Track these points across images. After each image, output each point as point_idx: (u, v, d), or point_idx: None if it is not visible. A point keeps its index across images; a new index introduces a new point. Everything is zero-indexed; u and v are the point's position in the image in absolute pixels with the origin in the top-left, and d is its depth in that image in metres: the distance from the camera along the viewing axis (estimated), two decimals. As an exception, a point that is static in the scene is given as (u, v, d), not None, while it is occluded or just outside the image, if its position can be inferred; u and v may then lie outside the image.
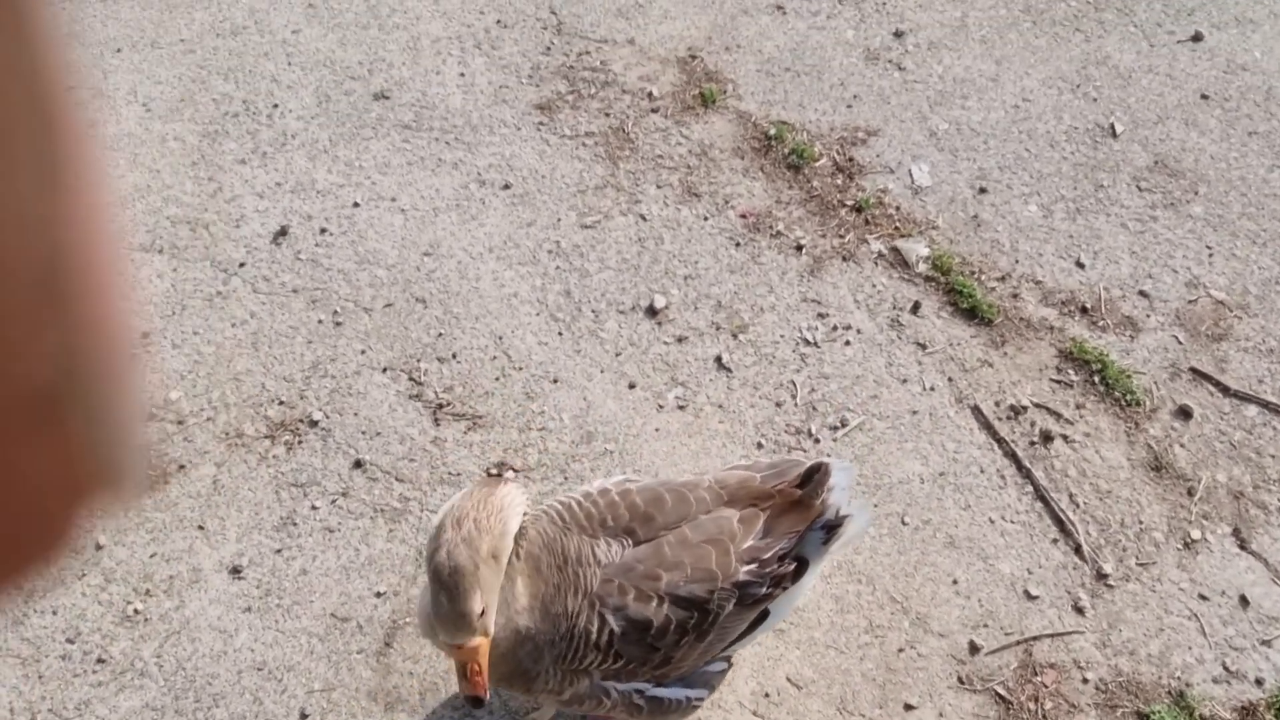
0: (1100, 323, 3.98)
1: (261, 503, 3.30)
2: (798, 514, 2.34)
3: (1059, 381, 3.81)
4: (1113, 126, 4.51)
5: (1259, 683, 3.16)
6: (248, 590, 3.12)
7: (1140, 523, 3.48)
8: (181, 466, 3.37)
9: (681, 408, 3.62)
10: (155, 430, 3.44)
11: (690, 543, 2.24)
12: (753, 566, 2.27)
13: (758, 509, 2.32)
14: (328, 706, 2.92)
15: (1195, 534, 3.46)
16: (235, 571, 3.15)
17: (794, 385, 3.71)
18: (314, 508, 3.30)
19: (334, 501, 3.32)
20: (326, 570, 3.17)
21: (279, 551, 3.20)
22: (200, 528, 3.24)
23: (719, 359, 3.75)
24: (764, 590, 2.29)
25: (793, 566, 2.33)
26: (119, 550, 3.17)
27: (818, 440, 3.57)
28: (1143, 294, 4.09)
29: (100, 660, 2.97)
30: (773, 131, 4.41)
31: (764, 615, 2.39)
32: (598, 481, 2.41)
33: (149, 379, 3.56)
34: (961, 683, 3.11)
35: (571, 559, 2.17)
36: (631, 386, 3.66)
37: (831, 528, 2.39)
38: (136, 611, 3.06)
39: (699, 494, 2.32)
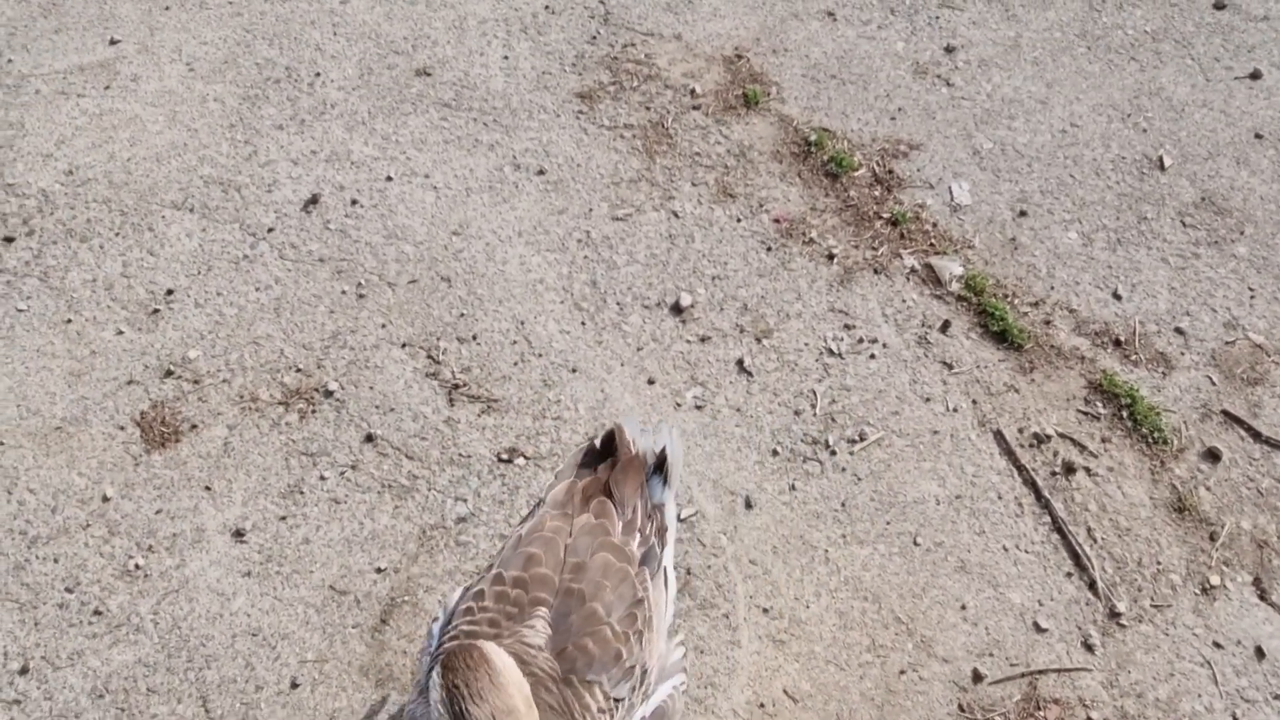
0: (1133, 357, 3.89)
1: (270, 468, 3.29)
2: (628, 475, 2.40)
3: (1086, 413, 3.73)
4: (1161, 159, 4.42)
5: (1269, 738, 3.07)
6: (249, 555, 3.10)
7: (1158, 563, 3.40)
8: (194, 426, 3.36)
9: (699, 408, 3.58)
10: (171, 387, 3.44)
11: (587, 566, 2.25)
12: (639, 538, 2.35)
13: (600, 498, 2.37)
14: (319, 678, 2.90)
15: (1214, 580, 3.37)
16: (238, 535, 3.14)
17: (814, 394, 3.65)
18: (322, 478, 3.28)
19: (343, 473, 3.30)
20: (329, 541, 3.15)
21: (283, 519, 3.19)
22: (207, 488, 3.23)
23: (740, 362, 3.70)
24: (656, 549, 2.37)
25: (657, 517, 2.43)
26: (125, 504, 3.17)
27: (834, 452, 3.51)
28: (1179, 331, 4.00)
29: (97, 612, 2.96)
30: (813, 138, 4.35)
31: (666, 579, 2.45)
32: (454, 595, 2.37)
33: (170, 336, 3.56)
34: (962, 710, 3.04)
35: (532, 669, 2.13)
36: (650, 382, 3.61)
37: (660, 466, 2.48)
38: (137, 567, 3.05)
39: (554, 526, 2.32)
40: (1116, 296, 4.07)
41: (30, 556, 3.04)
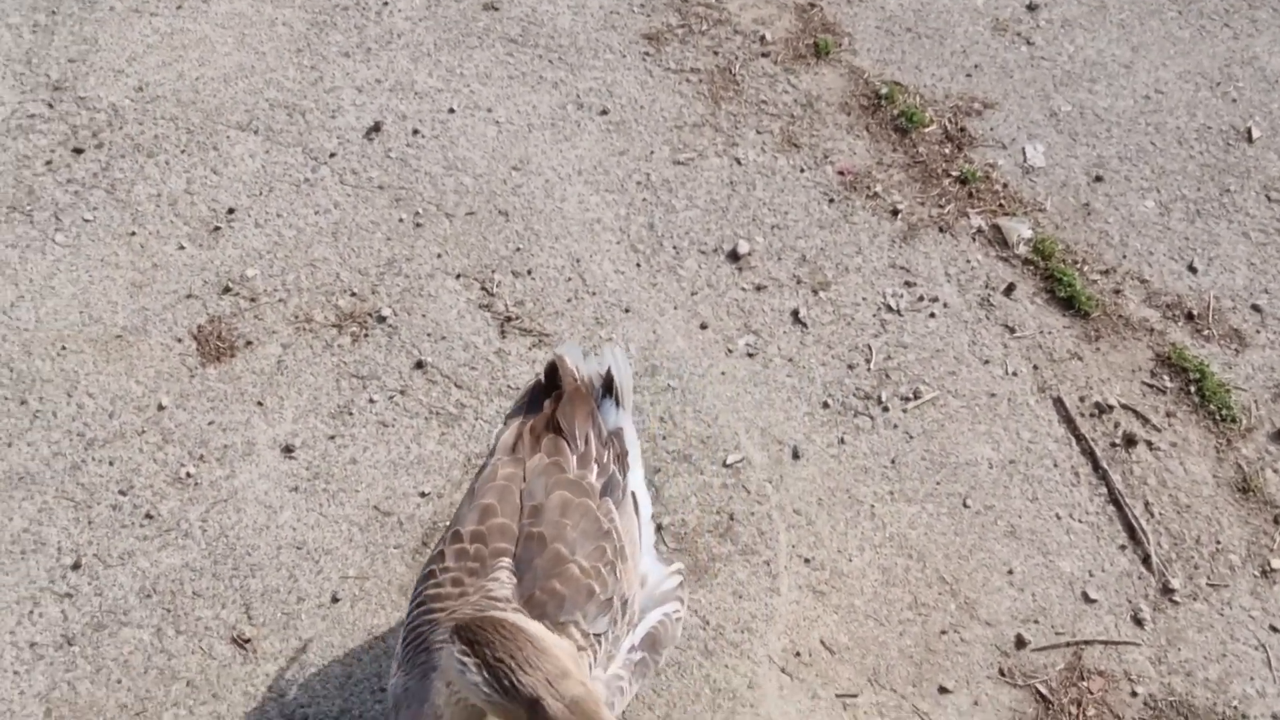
0: (1205, 331, 3.75)
1: (321, 388, 3.31)
2: (575, 406, 2.31)
3: (1151, 386, 3.61)
4: (1249, 130, 4.23)
5: (1322, 726, 2.97)
6: (297, 470, 3.14)
7: (1217, 543, 3.29)
8: (249, 342, 3.39)
9: (751, 355, 3.52)
10: (229, 304, 3.47)
11: (545, 507, 2.16)
12: (596, 469, 2.27)
13: (550, 435, 2.28)
14: (359, 594, 2.93)
15: (1275, 563, 3.26)
16: (288, 450, 3.17)
17: (869, 349, 3.58)
18: (371, 400, 3.30)
19: (392, 398, 3.31)
20: (376, 463, 3.17)
21: (332, 438, 3.21)
22: (259, 404, 3.26)
23: (795, 313, 3.63)
24: (618, 476, 2.30)
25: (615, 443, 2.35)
26: (179, 413, 3.22)
27: (886, 409, 3.45)
28: (1255, 308, 3.84)
29: (149, 516, 3.02)
30: (884, 91, 4.23)
31: (636, 503, 2.38)
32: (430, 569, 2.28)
33: (229, 253, 3.59)
34: (1002, 675, 2.98)
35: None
36: (703, 327, 3.57)
37: (608, 388, 2.39)
38: (189, 475, 3.10)
39: (506, 473, 2.22)
40: (1192, 269, 3.92)
41: (87, 458, 3.11)
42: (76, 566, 2.91)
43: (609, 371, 2.42)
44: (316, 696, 2.75)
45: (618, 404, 2.41)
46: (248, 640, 2.82)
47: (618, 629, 2.20)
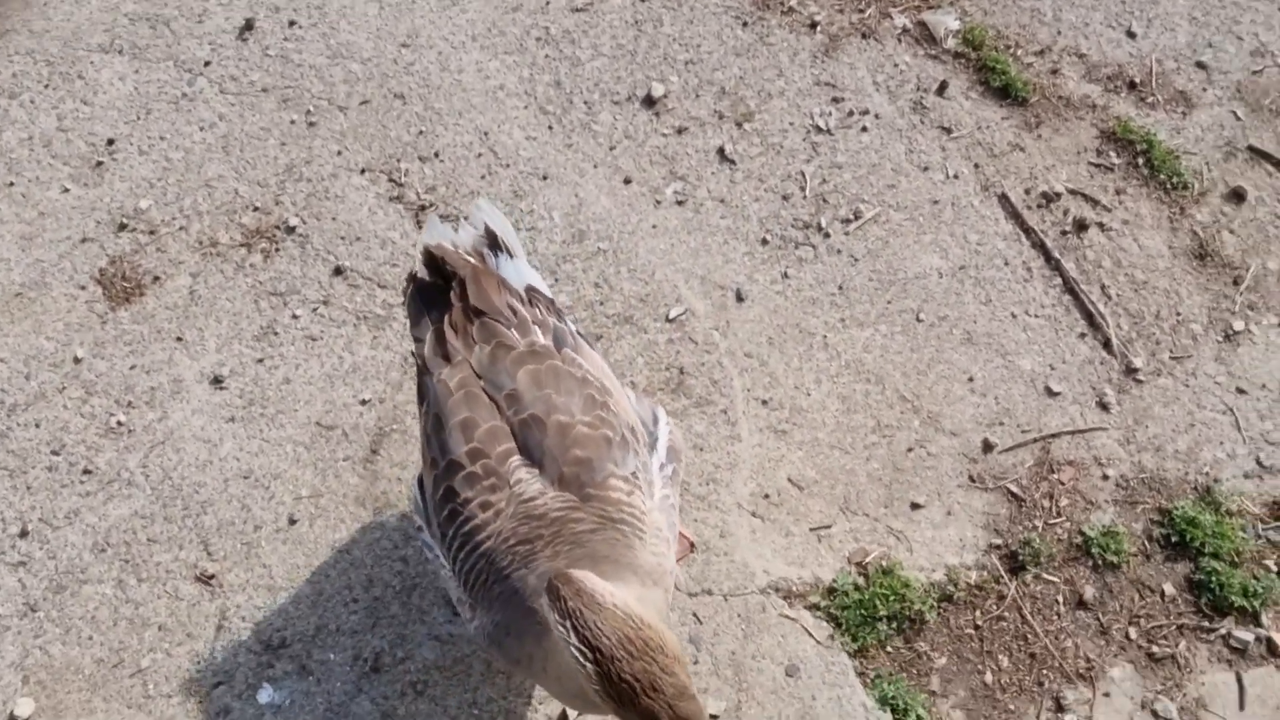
0: (1149, 99, 3.58)
1: (240, 312, 3.16)
2: (483, 283, 2.18)
3: (1098, 165, 3.46)
4: (1180, -128, 3.92)
5: (1294, 477, 2.97)
6: (230, 400, 3.03)
7: (1178, 314, 3.22)
8: (156, 278, 3.23)
9: (680, 203, 3.36)
10: (128, 241, 3.28)
11: (519, 391, 2.09)
12: (538, 331, 2.19)
13: (475, 323, 2.16)
14: (315, 512, 2.87)
15: (1238, 325, 3.20)
16: (217, 382, 3.05)
17: (803, 176, 3.41)
18: (295, 316, 3.16)
19: (315, 310, 3.17)
20: (310, 379, 3.06)
21: (261, 361, 3.09)
22: (179, 339, 3.12)
23: (722, 150, 3.45)
24: (560, 324, 2.23)
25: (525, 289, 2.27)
26: (98, 363, 3.08)
27: (827, 235, 3.31)
28: (1200, 65, 3.65)
29: (86, 471, 2.93)
30: (786, -107, 3.90)
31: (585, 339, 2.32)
32: (415, 491, 2.26)
33: (118, 188, 3.37)
34: (972, 481, 2.96)
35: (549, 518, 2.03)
36: (627, 182, 3.39)
37: (493, 246, 2.28)
38: (119, 424, 2.99)
39: (458, 381, 2.11)
40: (1130, 35, 3.71)
41: (11, 424, 2.99)
42: (24, 534, 2.84)
43: (486, 228, 2.28)
44: (291, 618, 2.73)
45: (511, 255, 2.28)
46: (211, 576, 2.78)
47: (642, 455, 2.18)
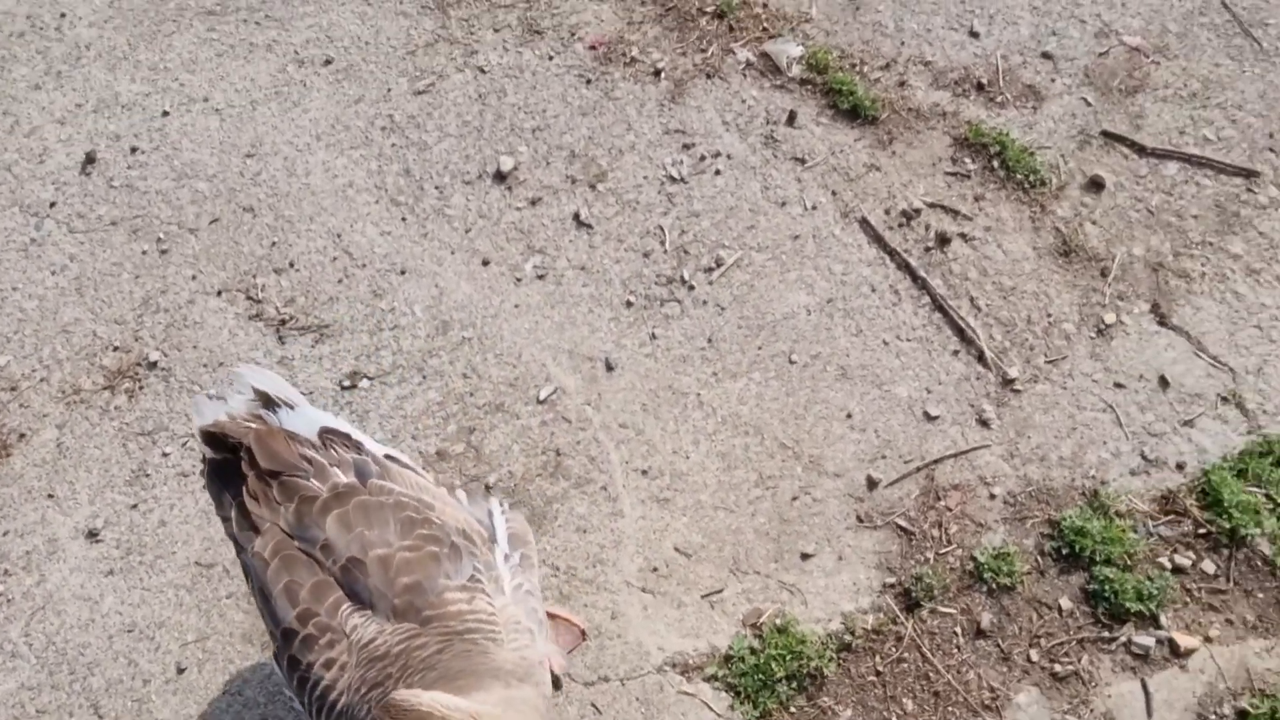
0: (998, 98, 3.56)
1: (110, 459, 3.12)
2: (269, 445, 2.14)
3: (955, 174, 3.44)
4: None
5: (1180, 467, 2.95)
6: (108, 552, 2.98)
7: (1049, 316, 3.20)
8: (22, 435, 3.18)
9: (541, 277, 3.33)
10: (-10, 401, 3.23)
11: (330, 539, 2.06)
12: (337, 471, 2.15)
13: (274, 484, 2.13)
14: (204, 656, 2.82)
15: (1109, 318, 3.18)
16: (92, 535, 3.00)
17: (662, 230, 3.38)
18: (165, 454, 3.11)
19: (185, 444, 3.12)
20: (186, 517, 3.01)
21: (134, 506, 3.04)
22: (50, 496, 3.07)
23: (577, 216, 3.41)
24: (360, 456, 2.20)
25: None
26: (-29, 533, 3.03)
27: (691, 287, 3.28)
28: (1046, 56, 3.64)
29: (-31, 649, 2.87)
30: (616, -59, 3.88)
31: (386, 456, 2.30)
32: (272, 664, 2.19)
33: (-25, 347, 3.32)
34: (860, 521, 2.93)
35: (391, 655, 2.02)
36: (485, 263, 3.35)
37: (269, 405, 2.23)
38: (-2, 593, 2.94)
39: (271, 549, 2.08)
40: (974, 34, 3.69)
41: (-112, 611, 2.94)
42: (-89, 725, 2.79)
43: (254, 390, 2.23)
44: (188, 772, 2.68)
45: (291, 406, 2.24)
46: (103, 741, 2.73)
47: (482, 554, 2.16)
